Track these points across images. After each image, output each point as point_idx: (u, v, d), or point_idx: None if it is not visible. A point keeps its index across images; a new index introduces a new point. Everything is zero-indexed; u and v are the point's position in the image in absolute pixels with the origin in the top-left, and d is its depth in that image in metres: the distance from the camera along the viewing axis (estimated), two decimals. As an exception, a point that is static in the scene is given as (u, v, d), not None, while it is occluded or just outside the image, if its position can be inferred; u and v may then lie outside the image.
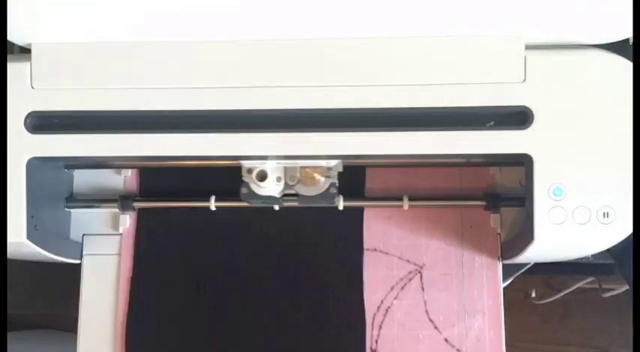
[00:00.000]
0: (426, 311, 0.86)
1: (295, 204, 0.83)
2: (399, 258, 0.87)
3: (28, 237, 0.78)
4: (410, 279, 0.86)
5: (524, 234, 0.77)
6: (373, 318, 0.86)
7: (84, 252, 0.88)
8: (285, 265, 0.87)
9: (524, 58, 0.75)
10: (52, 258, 0.84)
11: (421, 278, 0.86)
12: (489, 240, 0.86)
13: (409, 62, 0.75)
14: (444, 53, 0.75)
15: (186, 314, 0.87)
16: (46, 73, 0.77)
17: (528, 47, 0.75)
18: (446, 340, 0.85)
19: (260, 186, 0.80)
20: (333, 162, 0.80)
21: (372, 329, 0.86)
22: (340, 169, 0.81)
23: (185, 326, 0.87)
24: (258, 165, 0.79)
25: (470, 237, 0.86)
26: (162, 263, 0.88)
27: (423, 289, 0.86)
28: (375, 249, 0.87)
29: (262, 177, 0.79)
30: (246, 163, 0.79)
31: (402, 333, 0.85)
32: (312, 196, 0.81)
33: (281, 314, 0.86)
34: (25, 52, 0.79)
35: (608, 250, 0.80)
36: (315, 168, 0.80)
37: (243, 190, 0.81)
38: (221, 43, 0.76)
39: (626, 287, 1.12)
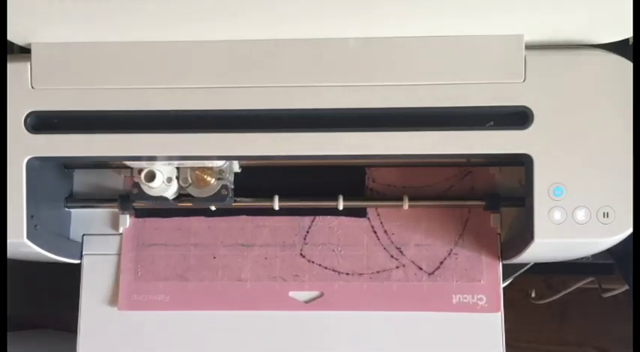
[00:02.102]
0: None
1: (190, 204, 0.83)
2: None
3: (28, 237, 0.78)
4: None
5: (524, 234, 0.77)
6: None
7: (84, 252, 0.88)
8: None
9: (524, 58, 0.75)
10: (52, 258, 0.84)
11: None
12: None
13: (409, 62, 0.76)
14: (444, 53, 0.75)
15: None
16: (46, 73, 0.77)
17: (528, 47, 0.75)
18: None
19: (150, 187, 0.80)
20: (219, 163, 0.80)
21: None
22: (236, 170, 0.82)
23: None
24: (146, 166, 0.79)
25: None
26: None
27: None
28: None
29: (151, 177, 0.79)
30: (134, 164, 0.80)
31: None
32: (205, 198, 0.82)
33: None
34: (25, 52, 0.79)
35: (608, 250, 0.80)
36: (204, 170, 0.81)
37: (134, 190, 0.81)
38: (221, 44, 0.76)
39: (626, 287, 1.12)
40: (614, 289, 1.23)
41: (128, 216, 0.88)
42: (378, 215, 0.87)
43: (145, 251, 0.88)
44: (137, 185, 0.81)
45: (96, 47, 0.77)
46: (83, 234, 0.89)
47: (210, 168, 0.81)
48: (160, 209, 0.87)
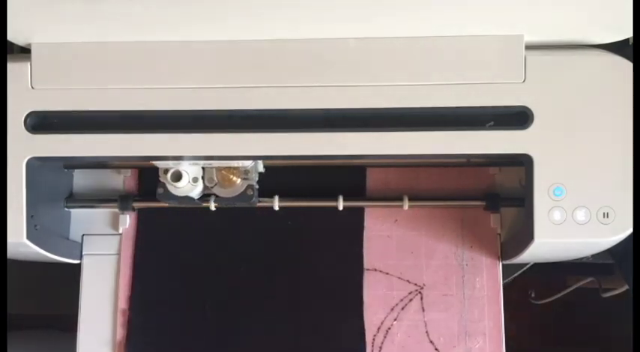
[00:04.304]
0: (427, 333, 0.85)
1: (217, 204, 0.83)
2: (399, 278, 0.86)
3: (28, 237, 0.78)
4: (410, 300, 0.85)
5: (524, 234, 0.77)
6: (373, 339, 0.85)
7: (84, 252, 0.88)
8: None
9: (524, 58, 0.75)
10: (51, 258, 0.84)
11: (421, 298, 0.85)
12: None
13: (409, 62, 0.76)
14: (444, 53, 0.75)
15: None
16: (46, 73, 0.77)
17: (528, 47, 0.75)
18: None
19: (175, 187, 0.80)
20: (247, 163, 0.80)
21: (373, 350, 0.85)
22: (260, 170, 0.82)
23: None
24: (172, 166, 0.79)
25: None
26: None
27: (423, 310, 0.85)
28: (375, 269, 0.86)
29: (177, 177, 0.80)
30: (160, 164, 0.80)
31: None
32: (230, 198, 0.82)
33: (280, 336, 0.85)
34: (25, 52, 0.79)
35: (609, 250, 0.80)
36: (230, 170, 0.81)
37: (159, 190, 0.81)
38: (221, 44, 0.76)
39: (626, 287, 1.12)
40: (614, 289, 1.23)
41: (128, 216, 0.88)
42: None
43: None
44: (162, 185, 0.81)
45: (96, 47, 0.77)
46: (83, 234, 0.89)
47: (237, 168, 0.81)
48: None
